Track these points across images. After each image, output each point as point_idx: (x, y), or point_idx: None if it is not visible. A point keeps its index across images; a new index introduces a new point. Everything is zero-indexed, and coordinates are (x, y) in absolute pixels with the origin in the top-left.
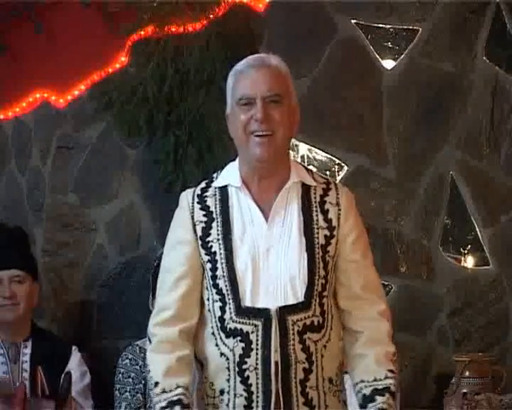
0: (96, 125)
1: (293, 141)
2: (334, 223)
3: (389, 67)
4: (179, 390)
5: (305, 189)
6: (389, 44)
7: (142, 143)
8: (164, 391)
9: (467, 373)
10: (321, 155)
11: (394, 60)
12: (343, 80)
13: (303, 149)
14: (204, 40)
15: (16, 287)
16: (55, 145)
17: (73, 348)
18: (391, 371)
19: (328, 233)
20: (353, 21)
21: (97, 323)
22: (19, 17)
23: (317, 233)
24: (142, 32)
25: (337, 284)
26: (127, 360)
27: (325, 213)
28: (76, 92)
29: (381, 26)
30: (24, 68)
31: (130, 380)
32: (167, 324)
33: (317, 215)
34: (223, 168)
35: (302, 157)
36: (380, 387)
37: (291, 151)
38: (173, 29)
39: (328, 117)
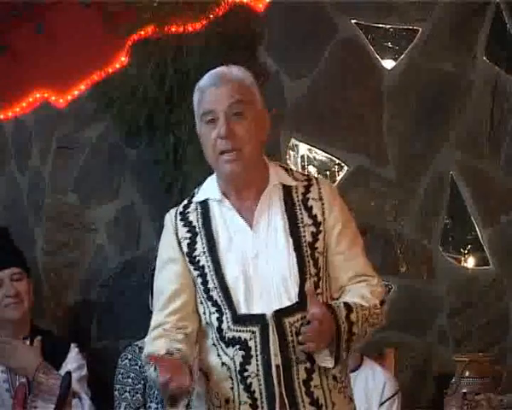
0: (96, 125)
1: (293, 141)
2: (320, 218)
3: (389, 67)
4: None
5: (287, 189)
6: (389, 44)
7: (142, 143)
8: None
9: (467, 373)
10: (321, 155)
11: (394, 60)
12: (343, 80)
13: (303, 149)
14: (204, 40)
15: (17, 284)
16: (55, 145)
17: (72, 345)
18: (359, 303)
19: (314, 230)
20: (353, 21)
21: (97, 323)
22: (19, 17)
23: (304, 231)
24: (142, 32)
25: (328, 278)
26: (126, 361)
27: (309, 209)
28: (76, 92)
29: (381, 26)
30: (24, 68)
31: (130, 380)
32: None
33: (301, 214)
34: (201, 184)
35: (302, 157)
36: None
37: (291, 151)
38: (173, 29)
39: (328, 117)
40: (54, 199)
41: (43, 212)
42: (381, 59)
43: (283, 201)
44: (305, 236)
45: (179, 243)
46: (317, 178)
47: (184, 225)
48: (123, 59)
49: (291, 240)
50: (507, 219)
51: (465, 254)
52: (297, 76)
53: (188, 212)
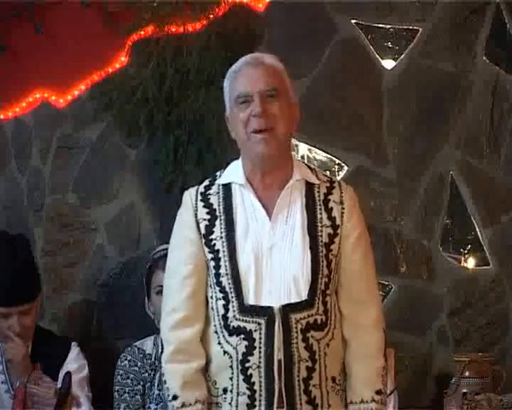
0: (96, 125)
1: (293, 141)
2: (338, 221)
3: (389, 67)
4: (199, 406)
5: (309, 187)
6: (389, 44)
7: (142, 143)
8: (184, 405)
9: (467, 373)
10: (321, 155)
11: (394, 60)
12: (343, 80)
13: (303, 149)
14: (204, 40)
15: (24, 319)
16: (55, 145)
17: (73, 343)
18: (378, 391)
19: (331, 231)
20: (353, 21)
21: (97, 323)
22: (19, 17)
23: (321, 231)
24: (142, 32)
25: (338, 284)
26: (126, 362)
27: (329, 211)
28: (76, 92)
29: (381, 26)
30: (24, 68)
31: (129, 381)
32: (180, 326)
33: (321, 213)
34: (226, 166)
35: (302, 157)
36: None
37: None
38: (173, 29)
39: (328, 117)
40: (54, 199)
41: (43, 212)
42: (381, 59)
43: (305, 197)
44: (321, 236)
45: (197, 224)
46: (339, 182)
47: (204, 207)
48: (123, 59)
49: (308, 238)
50: (507, 219)
51: (465, 254)
52: (297, 76)
53: (209, 193)
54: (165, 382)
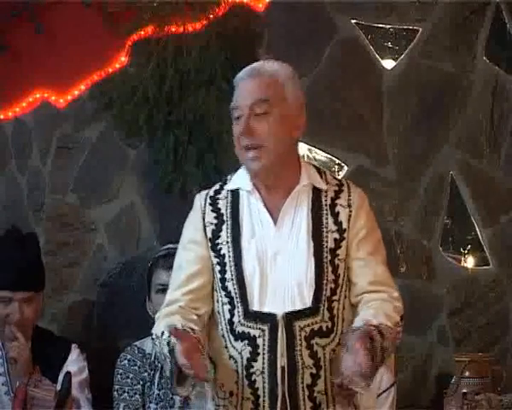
0: (96, 125)
1: None
2: (345, 225)
3: (389, 67)
4: (186, 328)
5: (316, 192)
6: (389, 44)
7: (142, 143)
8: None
9: (467, 373)
10: (321, 155)
11: (394, 60)
12: (343, 80)
13: (303, 149)
14: (204, 40)
15: (26, 309)
16: (55, 145)
17: (73, 345)
18: (386, 325)
19: (338, 236)
20: (353, 21)
21: (97, 323)
22: (19, 17)
23: (327, 237)
24: (142, 32)
25: (349, 284)
26: (126, 361)
27: (336, 215)
28: (76, 92)
29: (381, 26)
30: (24, 68)
31: (129, 381)
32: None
33: (326, 218)
34: (236, 171)
35: (302, 157)
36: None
37: None
38: (173, 29)
39: (328, 117)
40: (54, 199)
41: (43, 212)
42: (381, 59)
43: (311, 203)
44: (327, 241)
45: (205, 227)
46: (349, 184)
47: (213, 211)
48: (123, 59)
49: (312, 244)
50: (507, 219)
51: (465, 254)
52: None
53: (218, 198)
54: (156, 337)
